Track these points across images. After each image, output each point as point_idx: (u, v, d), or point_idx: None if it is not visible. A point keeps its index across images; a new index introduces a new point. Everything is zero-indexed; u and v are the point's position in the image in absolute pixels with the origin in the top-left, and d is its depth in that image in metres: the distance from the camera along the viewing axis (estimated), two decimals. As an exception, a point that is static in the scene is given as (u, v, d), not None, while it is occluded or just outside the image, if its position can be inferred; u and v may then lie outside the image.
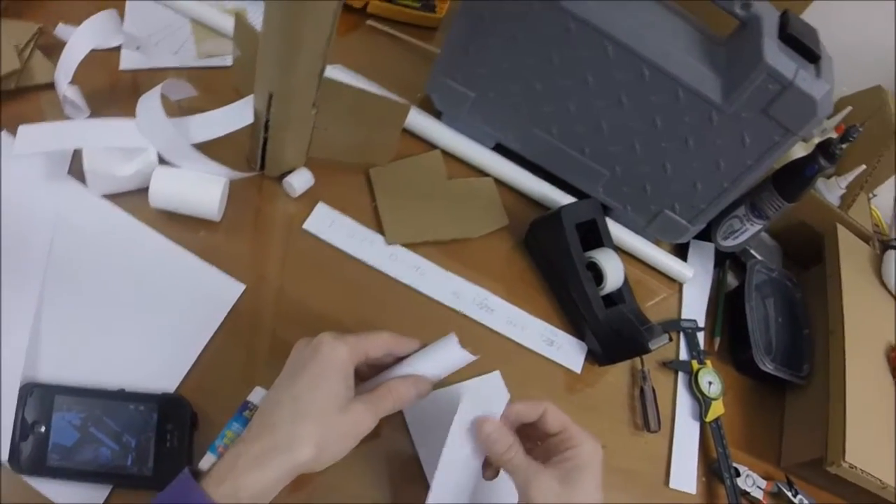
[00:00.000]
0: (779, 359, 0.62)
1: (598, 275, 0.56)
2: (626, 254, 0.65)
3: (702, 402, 0.59)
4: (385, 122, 0.55)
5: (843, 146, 0.58)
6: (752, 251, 0.68)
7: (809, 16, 0.61)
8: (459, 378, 0.49)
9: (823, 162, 0.58)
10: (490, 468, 0.42)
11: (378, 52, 0.69)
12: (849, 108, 0.70)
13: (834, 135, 0.69)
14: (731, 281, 0.69)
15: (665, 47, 0.52)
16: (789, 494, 0.57)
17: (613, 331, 0.55)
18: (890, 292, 0.65)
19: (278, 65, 0.45)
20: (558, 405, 0.42)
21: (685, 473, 0.56)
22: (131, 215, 0.50)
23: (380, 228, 0.56)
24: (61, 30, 0.56)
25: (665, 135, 0.56)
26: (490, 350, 0.55)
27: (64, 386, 0.42)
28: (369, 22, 0.70)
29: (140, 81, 0.57)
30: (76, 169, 0.50)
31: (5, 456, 0.39)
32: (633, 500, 0.53)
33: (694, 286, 0.67)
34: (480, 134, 0.63)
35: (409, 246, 0.57)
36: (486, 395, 0.42)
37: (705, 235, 0.68)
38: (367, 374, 0.43)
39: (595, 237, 0.58)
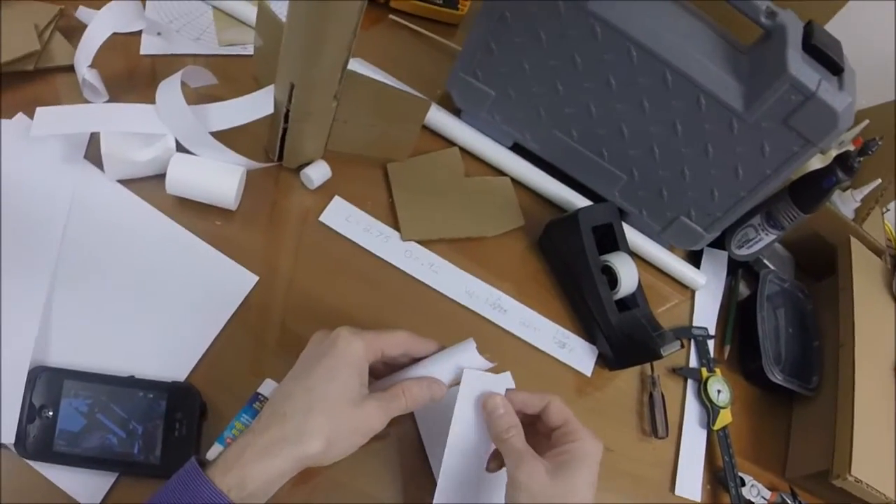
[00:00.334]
0: (788, 370, 0.62)
1: (612, 279, 0.56)
2: (639, 258, 0.65)
3: (710, 410, 0.59)
4: (405, 117, 0.55)
5: (861, 159, 0.58)
6: (766, 261, 0.68)
7: (832, 27, 0.61)
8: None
9: (841, 174, 0.58)
10: (494, 460, 0.42)
11: (399, 47, 0.68)
12: (866, 122, 0.70)
13: (851, 147, 0.69)
14: (743, 290, 0.69)
15: (689, 53, 0.51)
16: (793, 506, 0.57)
17: (625, 335, 0.55)
18: (901, 307, 0.65)
19: (302, 55, 0.45)
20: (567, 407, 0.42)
21: (691, 481, 0.56)
22: (146, 201, 0.50)
23: (396, 224, 0.56)
24: (82, 13, 0.56)
25: (685, 141, 0.56)
26: (502, 350, 0.54)
27: (73, 371, 0.41)
28: (391, 16, 0.70)
29: (160, 67, 0.57)
30: (92, 153, 0.50)
31: (11, 439, 0.39)
32: (639, 506, 0.53)
33: (706, 294, 0.67)
34: (499, 133, 0.63)
35: (424, 243, 0.56)
36: (491, 379, 0.42)
37: (719, 243, 0.67)
38: (382, 373, 0.43)
39: (610, 241, 0.58)
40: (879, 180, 0.69)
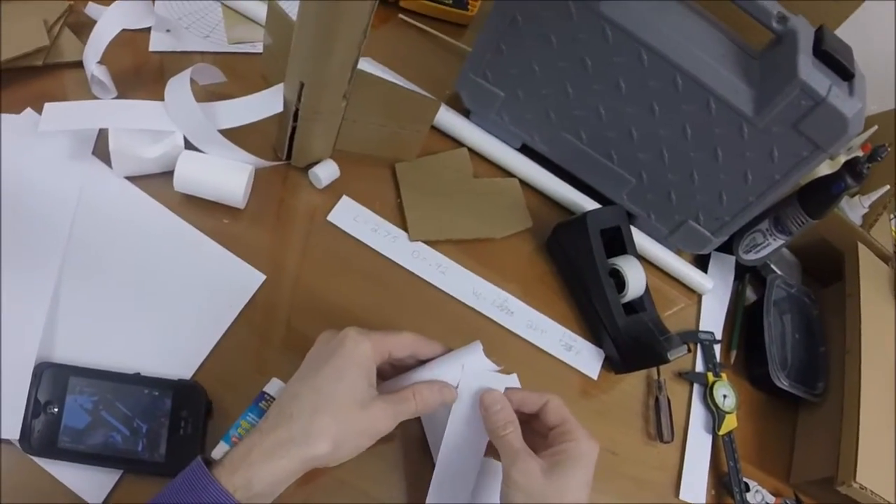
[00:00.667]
0: (794, 375, 0.62)
1: (619, 282, 0.56)
2: (646, 262, 0.65)
3: (716, 414, 0.59)
4: (415, 117, 0.55)
5: (870, 165, 0.58)
6: (773, 266, 0.68)
7: (842, 32, 0.61)
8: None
9: (850, 180, 0.58)
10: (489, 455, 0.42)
11: (408, 47, 0.68)
12: (875, 128, 0.69)
13: (860, 153, 0.68)
14: (750, 295, 0.68)
15: (700, 57, 0.51)
16: (798, 511, 0.57)
17: (632, 339, 0.55)
18: (908, 314, 0.65)
19: (312, 54, 0.44)
20: (573, 410, 0.41)
21: (695, 485, 0.55)
22: (154, 198, 0.50)
23: (403, 224, 0.56)
24: (92, 9, 0.56)
25: (694, 145, 0.56)
26: (508, 352, 0.54)
27: (79, 367, 0.41)
28: (401, 16, 0.70)
29: (168, 64, 0.57)
30: (100, 150, 0.50)
31: (16, 435, 0.39)
32: (643, 510, 0.53)
33: (713, 298, 0.66)
34: (507, 134, 0.63)
35: (432, 243, 0.56)
36: (493, 377, 0.42)
37: (726, 248, 0.67)
38: (389, 374, 0.43)
39: (618, 244, 0.58)
40: (888, 186, 0.68)
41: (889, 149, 0.57)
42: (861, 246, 0.66)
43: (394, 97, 0.52)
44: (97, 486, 0.39)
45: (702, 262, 0.68)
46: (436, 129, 0.62)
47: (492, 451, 0.42)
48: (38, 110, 0.48)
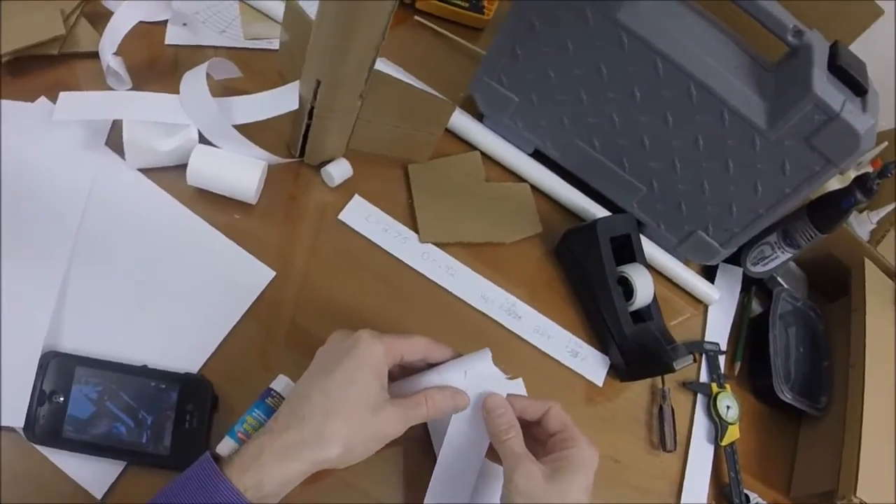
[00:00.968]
0: (797, 388, 0.62)
1: (628, 290, 0.56)
2: (654, 271, 0.65)
3: (718, 425, 0.59)
4: (429, 119, 0.55)
5: (880, 181, 0.58)
6: (779, 279, 0.68)
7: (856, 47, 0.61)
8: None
9: (860, 196, 0.58)
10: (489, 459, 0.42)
11: (423, 48, 0.68)
12: (885, 144, 0.70)
13: (870, 169, 0.69)
14: (756, 307, 0.69)
15: (715, 69, 0.51)
16: (797, 525, 0.57)
17: (639, 347, 0.55)
18: (912, 331, 0.65)
19: (330, 53, 0.44)
20: (577, 416, 0.42)
21: (696, 495, 0.55)
22: (166, 191, 0.50)
23: (414, 226, 0.56)
24: (109, 0, 0.56)
25: (706, 155, 0.56)
26: (514, 357, 0.54)
27: (85, 357, 0.41)
28: (417, 17, 0.70)
29: (184, 58, 0.57)
30: (113, 141, 0.50)
31: (21, 423, 0.38)
32: (644, 519, 0.53)
33: (719, 309, 0.66)
34: (520, 139, 0.63)
35: (442, 246, 0.56)
36: (497, 382, 0.42)
37: (734, 259, 0.67)
38: (397, 375, 0.43)
39: (627, 252, 0.58)
40: None
41: (899, 166, 0.57)
42: (868, 261, 0.66)
43: (409, 98, 0.52)
44: (100, 477, 0.39)
45: (709, 273, 0.68)
46: (449, 132, 0.62)
47: (491, 454, 0.42)
48: (53, 99, 0.48)
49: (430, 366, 0.42)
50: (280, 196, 0.53)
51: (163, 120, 0.48)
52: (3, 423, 0.38)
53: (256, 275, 0.49)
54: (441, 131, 0.57)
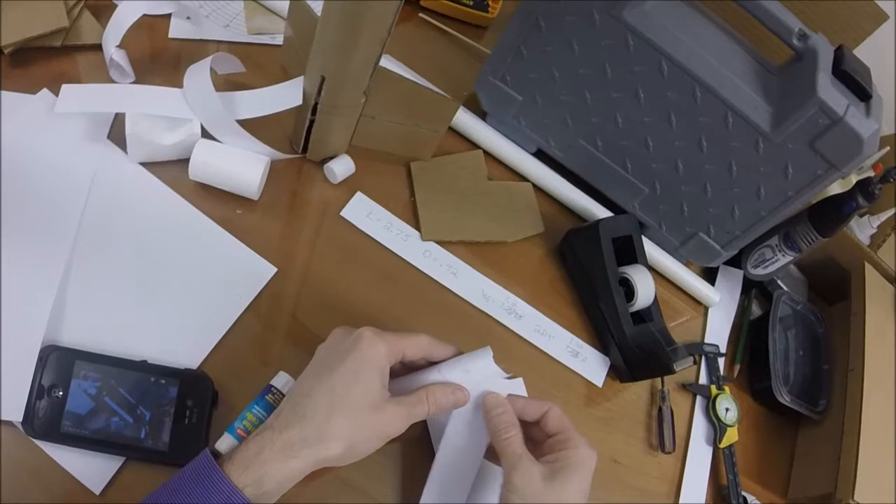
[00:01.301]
0: (796, 391, 0.62)
1: (629, 291, 0.56)
2: (655, 272, 0.65)
3: (717, 427, 0.59)
4: (433, 117, 0.55)
5: (882, 186, 0.58)
6: (780, 282, 0.68)
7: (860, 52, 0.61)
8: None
9: (861, 200, 0.58)
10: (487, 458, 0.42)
11: (427, 46, 0.68)
12: (887, 148, 0.70)
13: (872, 173, 0.69)
14: (756, 310, 0.69)
15: (720, 71, 0.51)
16: (794, 527, 0.57)
17: (639, 348, 0.55)
18: (911, 336, 0.65)
19: (335, 49, 0.44)
20: (577, 416, 0.42)
21: (694, 497, 0.55)
22: (168, 185, 0.50)
23: (416, 223, 0.56)
24: (112, -8, 0.55)
25: (709, 157, 0.56)
26: (515, 356, 0.54)
27: (85, 351, 0.41)
28: (421, 15, 0.70)
29: (187, 52, 0.56)
30: (115, 134, 0.50)
31: (19, 417, 0.38)
32: (642, 520, 0.53)
33: (719, 311, 0.66)
34: (523, 138, 0.63)
35: (444, 244, 0.56)
36: (498, 382, 0.42)
37: (735, 262, 0.67)
38: (398, 371, 0.43)
39: (629, 253, 0.58)
40: (896, 208, 0.69)
41: (901, 170, 0.57)
42: (868, 266, 0.66)
43: (413, 96, 0.52)
44: (99, 472, 0.39)
45: (710, 275, 0.68)
46: (452, 130, 0.62)
47: (488, 454, 0.42)
48: (55, 91, 0.48)
49: (431, 363, 0.42)
50: (282, 192, 0.53)
51: (165, 114, 0.48)
52: (3, 417, 0.38)
53: (258, 270, 0.49)
54: (444, 129, 0.57)
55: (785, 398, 0.60)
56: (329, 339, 0.41)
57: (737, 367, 0.65)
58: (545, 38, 0.55)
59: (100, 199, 0.47)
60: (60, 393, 0.39)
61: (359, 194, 0.55)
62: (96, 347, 0.42)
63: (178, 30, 0.57)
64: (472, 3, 0.71)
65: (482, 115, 0.63)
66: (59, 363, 0.40)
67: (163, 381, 0.42)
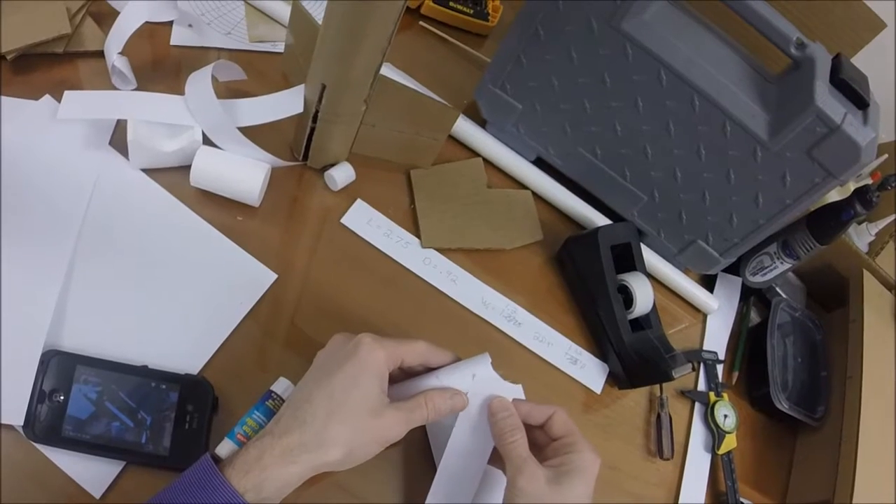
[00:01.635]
0: (794, 398, 0.62)
1: (627, 298, 0.56)
2: (654, 279, 0.65)
3: (716, 434, 0.59)
4: (433, 125, 0.55)
5: (879, 194, 0.58)
6: (778, 289, 0.69)
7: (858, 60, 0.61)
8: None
9: (860, 208, 0.59)
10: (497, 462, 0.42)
11: (427, 54, 0.69)
12: (885, 156, 0.70)
13: (870, 181, 0.69)
14: (754, 317, 0.69)
15: (718, 80, 0.52)
16: (793, 535, 0.57)
17: (638, 355, 0.55)
18: (910, 343, 0.66)
19: (336, 58, 0.45)
20: (575, 423, 0.42)
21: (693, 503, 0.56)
22: (169, 192, 0.50)
23: (416, 231, 0.56)
24: (115, -1, 0.56)
25: (708, 166, 0.56)
26: (514, 363, 0.55)
27: (86, 356, 0.41)
28: (422, 23, 0.70)
29: (188, 59, 0.57)
30: (117, 141, 0.50)
31: (21, 421, 0.38)
32: (640, 526, 0.53)
33: (717, 318, 0.67)
34: (523, 146, 0.63)
35: (443, 251, 0.56)
36: (500, 386, 0.42)
37: (734, 269, 0.68)
38: (396, 377, 0.43)
39: (628, 260, 0.58)
40: (895, 215, 0.69)
41: (898, 178, 0.58)
42: (866, 273, 0.66)
43: (413, 104, 0.52)
44: (99, 477, 0.39)
45: (708, 283, 0.69)
46: (452, 138, 0.62)
47: (492, 458, 0.42)
48: (57, 98, 0.48)
49: (430, 370, 0.43)
50: (283, 199, 0.53)
51: (167, 121, 0.49)
52: (3, 421, 0.38)
53: (258, 277, 0.49)
54: (444, 137, 0.57)
55: (783, 405, 0.60)
56: (328, 345, 0.41)
57: (735, 374, 0.65)
58: (544, 47, 0.55)
59: (101, 205, 0.47)
60: (61, 397, 0.40)
61: (359, 201, 0.56)
62: (97, 352, 0.42)
63: (180, 37, 0.57)
64: (472, 11, 0.71)
65: (482, 123, 0.63)
66: (60, 368, 0.40)
67: (163, 387, 0.42)
